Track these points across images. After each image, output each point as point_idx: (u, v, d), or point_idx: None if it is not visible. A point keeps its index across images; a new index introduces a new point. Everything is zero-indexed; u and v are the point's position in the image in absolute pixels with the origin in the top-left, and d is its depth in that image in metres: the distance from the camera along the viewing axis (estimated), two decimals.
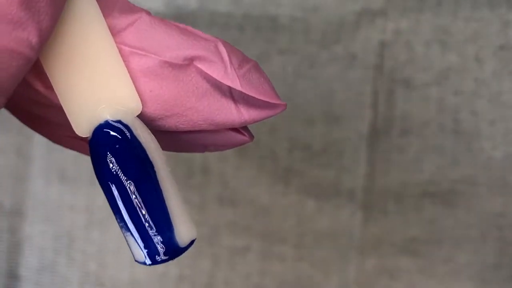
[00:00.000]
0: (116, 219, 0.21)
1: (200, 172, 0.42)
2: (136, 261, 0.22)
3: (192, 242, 0.22)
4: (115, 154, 0.21)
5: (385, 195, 0.41)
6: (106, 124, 0.21)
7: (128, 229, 0.21)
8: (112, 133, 0.21)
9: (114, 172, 0.21)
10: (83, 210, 0.43)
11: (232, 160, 0.42)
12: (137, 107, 0.21)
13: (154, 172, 0.21)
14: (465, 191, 0.41)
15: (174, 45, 0.21)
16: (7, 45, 0.19)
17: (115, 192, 0.21)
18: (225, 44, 0.22)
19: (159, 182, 0.21)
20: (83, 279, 0.44)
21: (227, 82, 0.21)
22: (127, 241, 0.21)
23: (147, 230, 0.21)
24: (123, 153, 0.21)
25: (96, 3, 0.21)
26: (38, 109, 0.23)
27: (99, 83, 0.21)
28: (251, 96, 0.22)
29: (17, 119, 0.26)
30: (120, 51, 0.21)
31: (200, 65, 0.21)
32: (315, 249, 0.42)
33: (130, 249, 0.22)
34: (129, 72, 0.21)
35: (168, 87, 0.21)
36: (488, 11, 0.40)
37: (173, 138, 0.23)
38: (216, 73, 0.21)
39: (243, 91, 0.21)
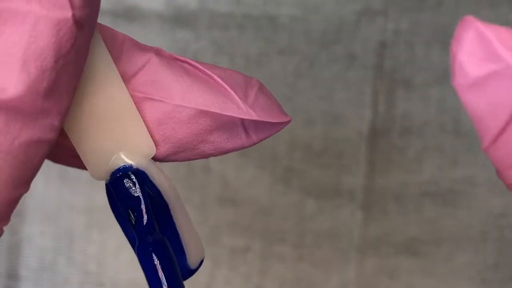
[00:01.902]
0: (133, 249, 0.22)
1: (201, 172, 0.42)
2: None
3: (201, 262, 0.24)
4: (131, 198, 0.21)
5: (385, 195, 0.41)
6: (122, 169, 0.21)
7: None
8: (127, 179, 0.21)
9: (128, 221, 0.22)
10: (83, 210, 0.43)
11: (232, 160, 0.42)
12: (151, 152, 0.22)
13: (169, 210, 0.22)
14: (465, 191, 0.41)
15: (183, 87, 0.21)
16: (33, 137, 0.19)
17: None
18: (224, 77, 0.22)
19: (173, 217, 0.22)
20: (83, 279, 0.44)
21: (244, 116, 0.21)
22: None
23: None
24: (139, 197, 0.22)
25: (107, 51, 0.21)
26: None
27: (114, 131, 0.21)
28: (263, 121, 0.22)
29: None
30: (132, 98, 0.21)
31: (215, 110, 0.21)
32: (315, 249, 0.42)
33: None
34: (142, 117, 0.21)
35: (181, 129, 0.22)
36: (489, 11, 0.40)
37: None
38: (231, 111, 0.21)
39: (259, 119, 0.22)
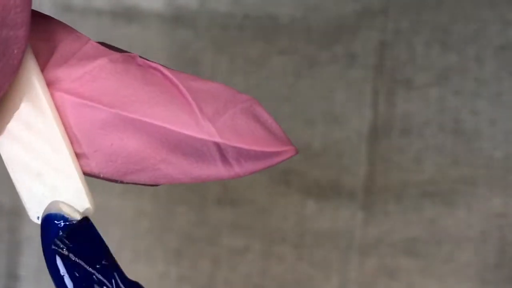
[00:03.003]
0: None
1: None
2: None
3: None
4: (61, 254, 0.21)
5: (385, 195, 0.41)
6: (55, 217, 0.21)
7: None
8: (58, 226, 0.21)
9: (63, 270, 0.21)
10: None
11: None
12: (87, 210, 0.21)
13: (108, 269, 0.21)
14: (465, 191, 0.41)
15: (132, 96, 0.19)
16: None
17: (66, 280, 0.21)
18: (198, 90, 0.19)
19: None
20: None
21: (202, 135, 0.19)
22: None
23: None
24: (62, 254, 0.21)
25: (41, 77, 0.20)
26: None
27: (51, 179, 0.21)
28: (243, 149, 0.19)
29: None
30: (70, 101, 0.20)
31: (164, 124, 0.19)
32: (315, 249, 0.42)
33: None
34: (83, 123, 0.20)
35: (129, 140, 0.20)
36: (489, 10, 0.40)
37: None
38: (185, 128, 0.19)
39: (225, 142, 0.19)
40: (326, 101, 0.42)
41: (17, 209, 0.44)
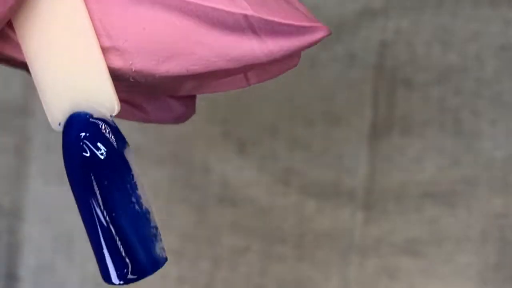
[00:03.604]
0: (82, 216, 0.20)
1: (200, 172, 0.42)
2: (104, 279, 0.20)
3: (162, 264, 0.22)
4: (85, 150, 0.20)
5: (385, 195, 0.41)
6: (79, 116, 0.20)
7: (98, 241, 0.20)
8: (85, 124, 0.20)
9: (87, 169, 0.20)
10: None
11: (232, 160, 0.42)
12: (112, 108, 0.20)
13: (132, 180, 0.20)
14: (465, 192, 0.41)
15: None
16: None
17: (88, 194, 0.20)
18: None
19: (137, 192, 0.20)
20: (82, 280, 0.43)
21: (235, 9, 0.19)
22: (96, 255, 0.20)
23: (117, 245, 0.20)
24: (93, 152, 0.20)
25: None
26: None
27: (75, 75, 0.20)
28: (275, 22, 0.19)
29: None
30: None
31: (197, 1, 0.19)
32: (315, 250, 0.42)
33: (100, 266, 0.20)
34: (113, 12, 0.19)
35: (163, 22, 0.19)
36: (489, 10, 0.40)
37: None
38: (219, 3, 0.19)
39: (257, 15, 0.19)
40: (326, 101, 0.42)
41: (16, 210, 0.44)
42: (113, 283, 0.20)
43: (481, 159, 0.41)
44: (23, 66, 0.21)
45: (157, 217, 0.43)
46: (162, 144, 0.43)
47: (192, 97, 0.23)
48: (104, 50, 0.20)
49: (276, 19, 0.19)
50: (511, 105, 0.40)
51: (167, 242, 0.45)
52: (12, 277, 0.44)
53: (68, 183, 0.45)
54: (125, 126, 0.44)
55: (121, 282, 0.20)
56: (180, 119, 0.23)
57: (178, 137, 0.43)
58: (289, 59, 0.20)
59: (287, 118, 0.42)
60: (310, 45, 0.19)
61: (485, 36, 0.40)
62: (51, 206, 0.44)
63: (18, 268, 0.44)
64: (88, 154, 0.20)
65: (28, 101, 0.43)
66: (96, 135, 0.20)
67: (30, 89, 0.43)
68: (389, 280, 0.41)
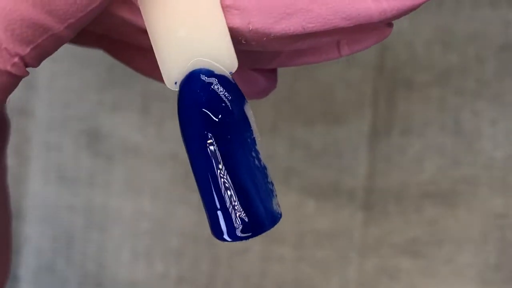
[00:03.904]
0: (196, 176, 0.20)
1: None
2: (216, 237, 0.20)
3: (278, 219, 0.21)
4: (208, 106, 0.19)
5: (385, 195, 0.41)
6: (199, 72, 0.20)
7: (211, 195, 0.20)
8: (207, 81, 0.20)
9: (210, 125, 0.20)
10: (82, 211, 0.43)
11: None
12: (232, 65, 0.20)
13: (252, 135, 0.20)
14: (466, 192, 0.41)
15: None
16: None
17: (208, 150, 0.20)
18: None
19: (255, 147, 0.20)
20: (82, 280, 0.43)
21: None
22: (207, 210, 0.20)
23: (228, 201, 0.20)
24: (217, 106, 0.19)
25: None
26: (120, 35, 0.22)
27: (196, 32, 0.20)
28: None
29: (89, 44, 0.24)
30: None
31: None
32: (315, 250, 0.42)
33: (213, 222, 0.20)
34: None
35: None
36: (489, 11, 0.40)
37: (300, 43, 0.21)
38: None
39: None
40: (326, 101, 0.42)
41: (15, 210, 0.44)
42: (225, 240, 0.20)
43: (481, 159, 0.41)
44: (134, 32, 0.21)
45: (157, 217, 0.43)
46: (162, 144, 0.43)
47: (274, 71, 0.23)
48: (224, 8, 0.20)
49: None
50: (511, 105, 0.40)
51: (167, 242, 0.45)
52: (12, 277, 0.44)
53: (67, 184, 0.45)
54: (124, 126, 0.44)
55: (235, 238, 0.20)
56: (262, 93, 0.23)
57: (178, 137, 0.43)
58: (382, 29, 0.20)
59: (287, 118, 0.42)
60: (418, 6, 0.19)
61: (485, 36, 0.40)
62: (51, 206, 0.44)
63: (18, 268, 0.44)
64: (208, 114, 0.20)
65: (28, 101, 0.43)
66: (216, 93, 0.20)
67: (30, 89, 0.43)
68: (389, 280, 0.41)
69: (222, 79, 0.20)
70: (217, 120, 0.20)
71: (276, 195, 0.21)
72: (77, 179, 0.43)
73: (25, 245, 0.44)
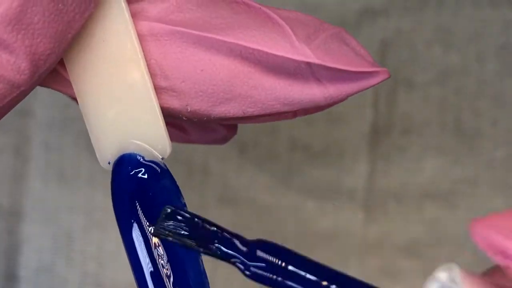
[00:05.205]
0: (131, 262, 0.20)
1: (200, 172, 0.42)
2: None
3: None
4: (139, 195, 0.19)
5: (386, 195, 0.41)
6: (129, 158, 0.20)
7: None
8: (134, 170, 0.20)
9: (138, 214, 0.20)
10: (82, 211, 0.43)
11: (232, 160, 0.42)
12: (164, 151, 0.20)
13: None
14: (466, 192, 0.41)
15: (222, 24, 0.19)
16: None
17: (136, 234, 0.20)
18: (287, 17, 0.19)
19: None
20: (82, 280, 0.43)
21: (296, 56, 0.18)
22: None
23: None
24: (148, 194, 0.19)
25: (126, 11, 0.19)
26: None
27: (126, 115, 0.19)
28: (337, 69, 0.19)
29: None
30: (160, 29, 0.19)
31: (259, 47, 0.19)
32: (315, 250, 0.42)
33: None
34: (171, 53, 0.19)
35: (221, 64, 0.19)
36: (490, 10, 0.40)
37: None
38: (280, 50, 0.18)
39: (320, 63, 0.19)
40: None
41: (15, 210, 0.44)
42: None
43: (481, 159, 0.41)
44: (74, 100, 0.21)
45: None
46: None
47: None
48: (160, 90, 0.19)
49: (339, 66, 0.19)
50: (511, 105, 0.40)
51: None
52: (12, 277, 0.44)
53: (67, 184, 0.45)
54: None
55: None
56: (221, 141, 0.23)
57: None
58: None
59: None
60: (368, 88, 0.19)
61: (486, 36, 0.40)
62: (51, 206, 0.44)
63: (18, 268, 0.44)
64: (134, 203, 0.20)
65: (28, 101, 0.43)
66: (142, 183, 0.20)
67: None
68: (390, 280, 0.41)
69: (149, 168, 0.20)
70: (141, 210, 0.20)
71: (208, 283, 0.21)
72: (77, 179, 0.43)
73: (25, 245, 0.44)
